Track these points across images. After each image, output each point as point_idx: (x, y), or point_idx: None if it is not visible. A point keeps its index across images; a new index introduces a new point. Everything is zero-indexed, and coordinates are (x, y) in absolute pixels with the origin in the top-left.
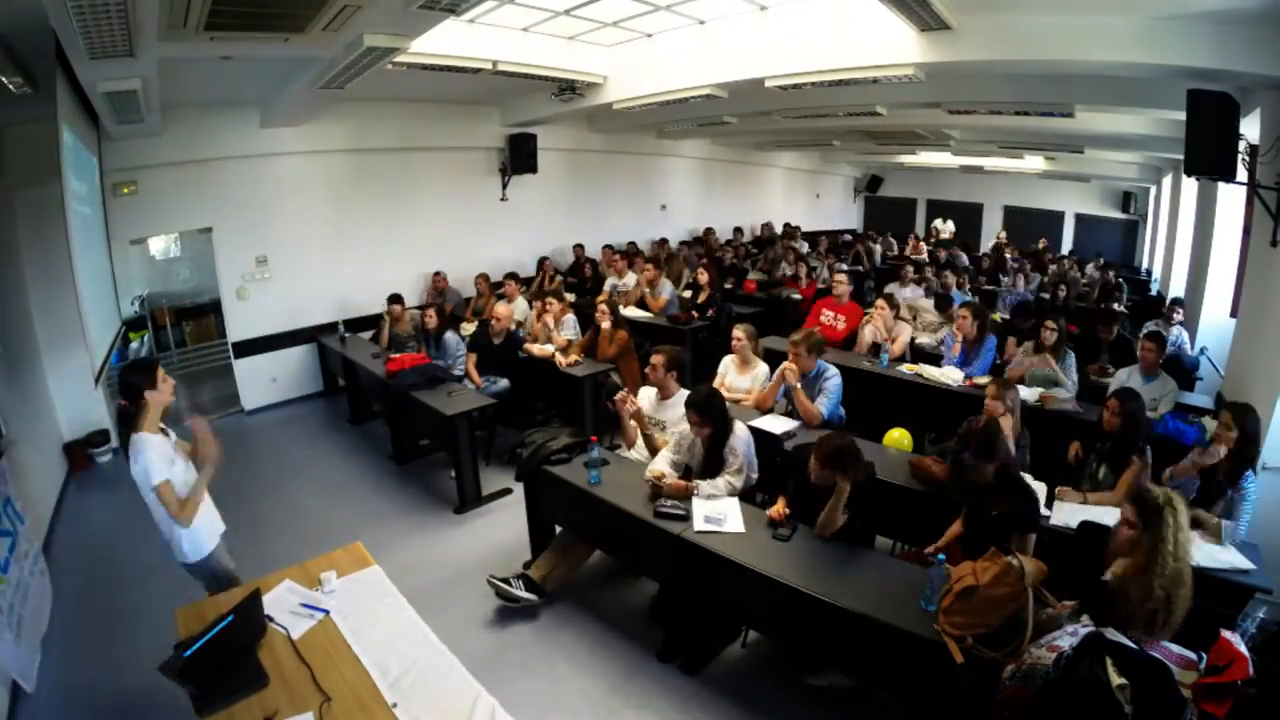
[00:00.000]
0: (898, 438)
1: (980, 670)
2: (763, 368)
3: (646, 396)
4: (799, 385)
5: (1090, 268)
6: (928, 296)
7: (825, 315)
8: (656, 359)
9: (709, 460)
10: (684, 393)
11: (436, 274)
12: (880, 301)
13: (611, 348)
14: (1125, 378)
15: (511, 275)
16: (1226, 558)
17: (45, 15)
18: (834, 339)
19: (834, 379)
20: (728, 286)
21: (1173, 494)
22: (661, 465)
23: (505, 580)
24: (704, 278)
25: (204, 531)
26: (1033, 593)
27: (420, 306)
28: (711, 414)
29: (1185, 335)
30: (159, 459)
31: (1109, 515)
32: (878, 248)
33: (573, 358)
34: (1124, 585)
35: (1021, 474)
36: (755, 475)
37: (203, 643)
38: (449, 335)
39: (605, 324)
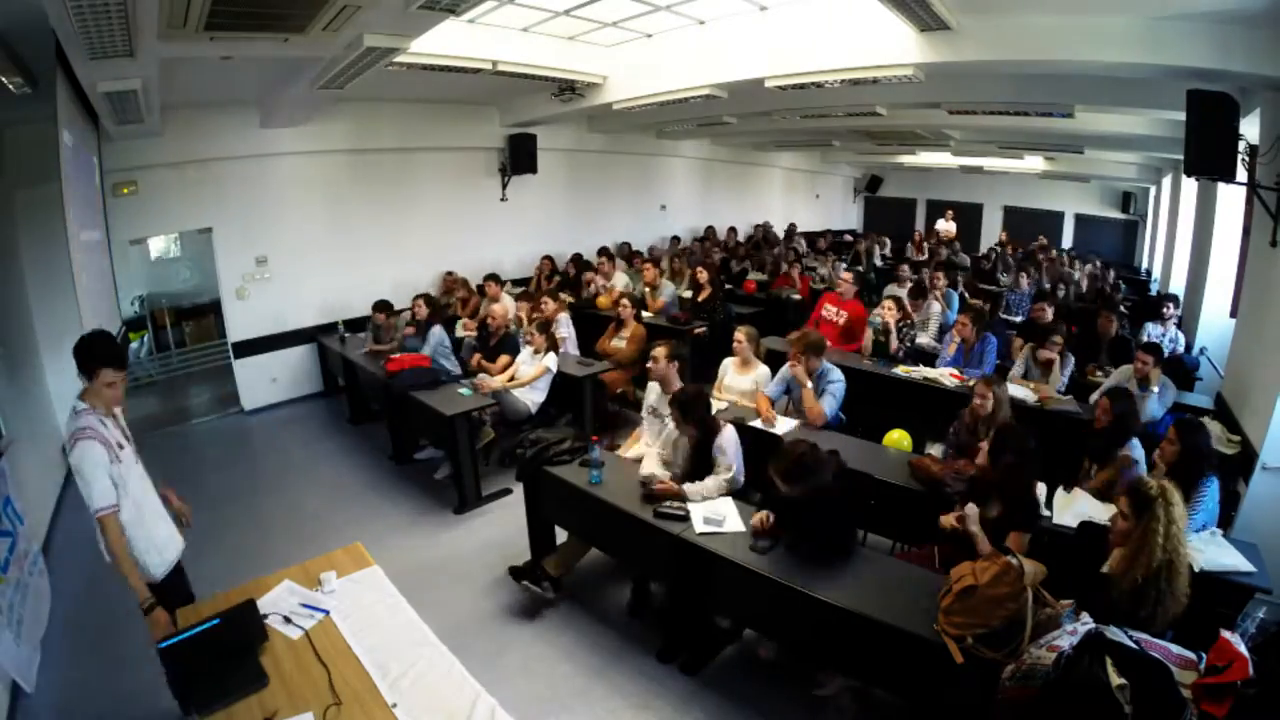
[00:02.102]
0: (897, 438)
1: (980, 670)
2: (763, 369)
3: (653, 391)
4: (809, 385)
5: (1089, 268)
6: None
7: (827, 310)
8: (659, 352)
9: (695, 460)
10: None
11: (448, 274)
12: (888, 303)
13: (632, 343)
14: (1123, 379)
15: (492, 276)
16: (1229, 559)
17: (45, 15)
18: (831, 334)
19: (839, 382)
20: (727, 287)
21: (1168, 486)
22: (653, 466)
23: (533, 581)
24: (704, 277)
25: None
26: (1032, 593)
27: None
28: (694, 413)
29: (1180, 336)
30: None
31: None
32: (878, 248)
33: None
34: (1115, 575)
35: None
36: (742, 478)
37: (180, 639)
38: (435, 328)
39: (628, 317)
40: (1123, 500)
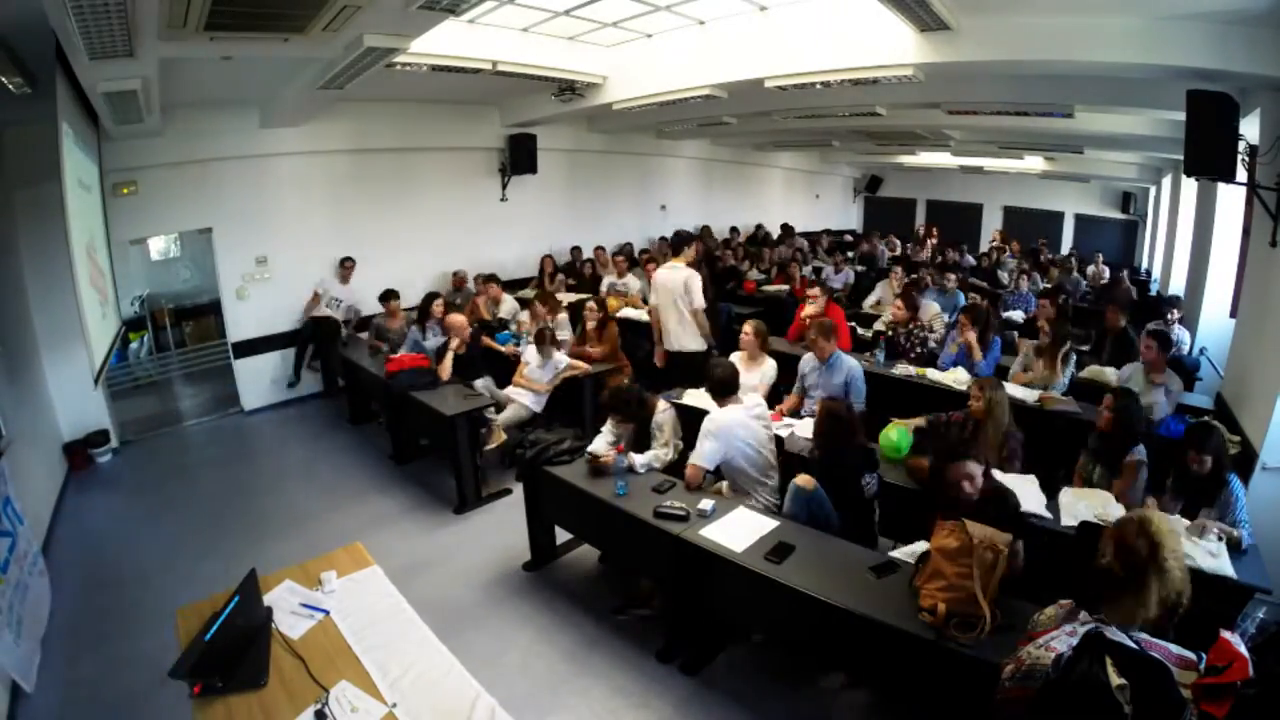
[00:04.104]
0: (896, 438)
1: (979, 671)
2: (770, 363)
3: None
4: (821, 368)
5: (1091, 268)
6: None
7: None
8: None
9: (639, 439)
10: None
11: (455, 273)
12: (898, 303)
13: (602, 345)
14: (1126, 376)
15: (491, 277)
16: (1212, 563)
17: (45, 15)
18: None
19: (859, 374)
20: (728, 286)
21: (1163, 534)
22: (600, 445)
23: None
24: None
25: None
26: (993, 554)
27: (413, 307)
28: (628, 412)
29: (1185, 335)
30: None
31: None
32: (884, 248)
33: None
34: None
35: (1003, 477)
36: (680, 444)
37: (219, 625)
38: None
39: (591, 323)
40: (1110, 546)
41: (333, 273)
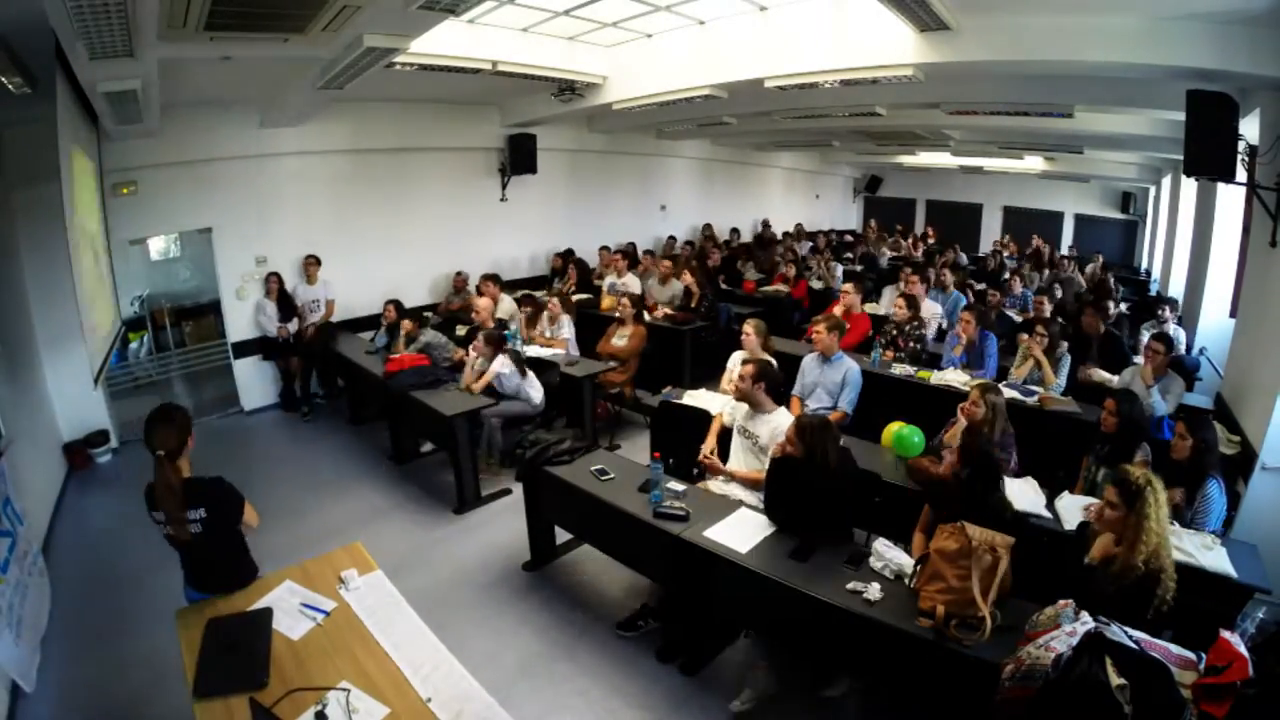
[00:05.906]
0: (906, 434)
1: (980, 671)
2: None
3: (740, 410)
4: (823, 365)
5: (1091, 268)
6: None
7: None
8: (746, 370)
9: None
10: (781, 410)
11: (458, 274)
12: (899, 301)
13: (633, 341)
14: (1128, 380)
15: (492, 276)
16: (1210, 559)
17: (45, 15)
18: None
19: (858, 375)
20: (726, 287)
21: (1151, 475)
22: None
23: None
24: (688, 279)
25: None
26: (993, 556)
27: (423, 308)
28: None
29: (1181, 334)
30: None
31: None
32: (886, 250)
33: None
34: (1106, 564)
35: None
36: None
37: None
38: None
39: (629, 317)
40: (1111, 490)
41: (300, 278)
